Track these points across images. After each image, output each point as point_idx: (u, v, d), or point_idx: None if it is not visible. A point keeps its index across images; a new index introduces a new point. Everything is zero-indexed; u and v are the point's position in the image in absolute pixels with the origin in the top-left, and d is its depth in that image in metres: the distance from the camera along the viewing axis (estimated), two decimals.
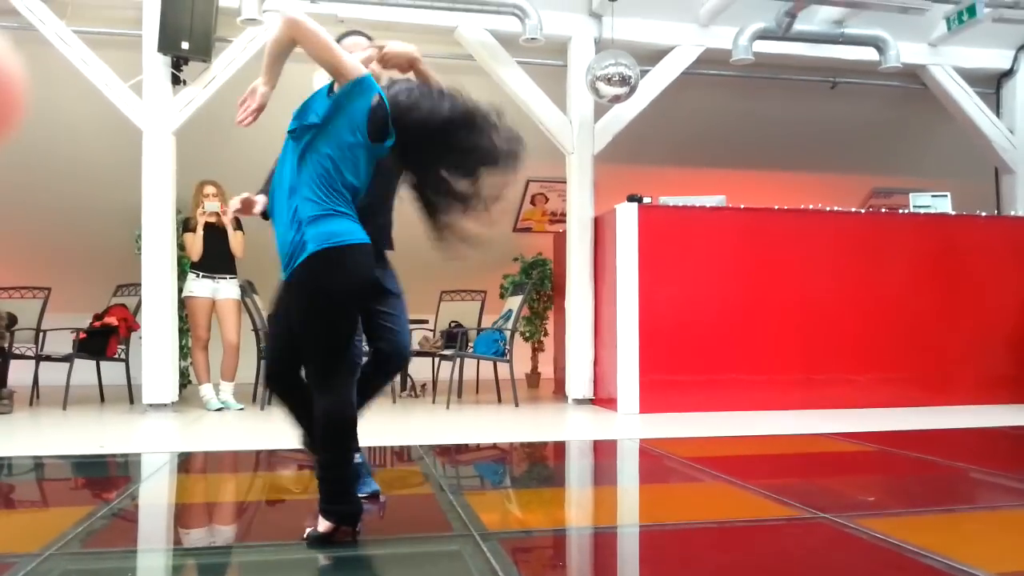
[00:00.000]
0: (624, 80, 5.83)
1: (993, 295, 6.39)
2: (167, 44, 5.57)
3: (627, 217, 5.90)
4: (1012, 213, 7.05)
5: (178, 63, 5.78)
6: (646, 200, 6.00)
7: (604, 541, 2.71)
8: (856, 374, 6.12)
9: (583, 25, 6.43)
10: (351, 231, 2.41)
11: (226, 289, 6.06)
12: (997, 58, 7.28)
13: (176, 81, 5.82)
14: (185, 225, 6.12)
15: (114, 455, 4.27)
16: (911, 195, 6.66)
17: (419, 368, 7.39)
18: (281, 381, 2.63)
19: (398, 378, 7.17)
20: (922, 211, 6.50)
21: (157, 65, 5.75)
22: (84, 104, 6.34)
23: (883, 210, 7.40)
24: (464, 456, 4.38)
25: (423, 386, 7.31)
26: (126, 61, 5.77)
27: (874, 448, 4.36)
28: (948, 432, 5.04)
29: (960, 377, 6.31)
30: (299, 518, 3.00)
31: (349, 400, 2.48)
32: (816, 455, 4.28)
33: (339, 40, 2.68)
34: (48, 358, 6.46)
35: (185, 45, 5.56)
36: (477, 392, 7.41)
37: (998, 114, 7.33)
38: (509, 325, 6.51)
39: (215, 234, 6.03)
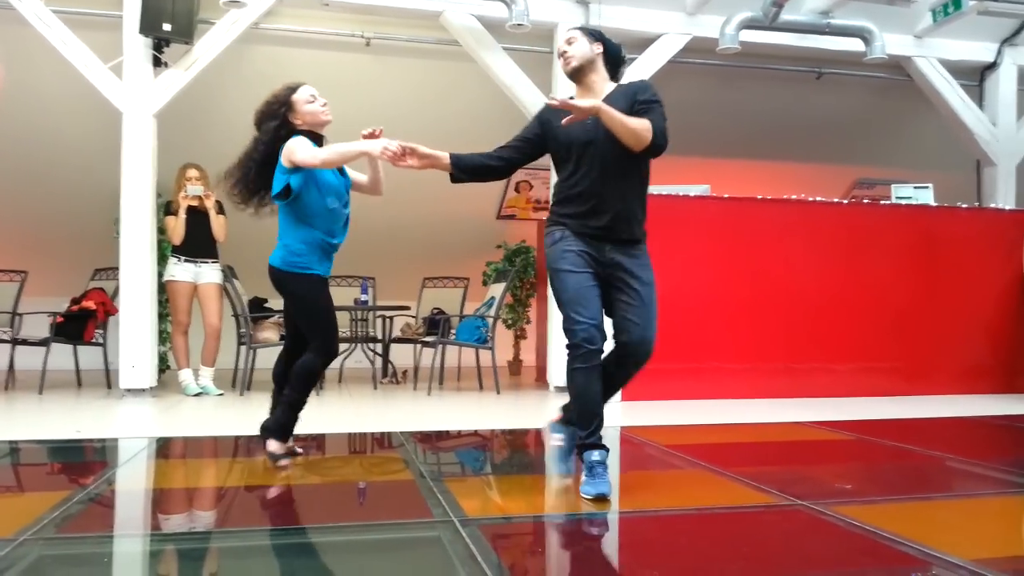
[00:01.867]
0: None
1: (973, 286, 6.45)
2: (148, 25, 5.49)
3: None
4: (993, 205, 7.10)
5: (159, 45, 5.70)
6: None
7: (584, 528, 2.71)
8: (837, 363, 6.16)
9: (570, 12, 6.39)
10: None
11: (208, 273, 6.01)
12: (981, 51, 7.32)
13: (157, 63, 5.75)
14: (166, 208, 6.06)
15: (91, 440, 4.23)
16: (893, 186, 6.70)
17: (400, 355, 7.38)
18: None
19: (379, 363, 7.16)
20: (904, 202, 6.54)
21: (138, 46, 5.67)
22: (63, 85, 6.26)
23: (866, 201, 7.44)
24: (445, 443, 4.38)
25: (404, 373, 7.30)
26: (106, 42, 5.69)
27: (853, 436, 4.40)
28: (926, 421, 5.09)
29: (939, 367, 6.38)
30: (278, 504, 2.99)
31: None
32: (796, 443, 4.31)
33: None
34: (24, 342, 6.39)
35: (167, 27, 5.48)
36: (459, 379, 7.39)
37: (981, 107, 7.38)
38: (491, 312, 6.50)
39: (197, 218, 5.98)
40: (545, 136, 3.24)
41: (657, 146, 2.99)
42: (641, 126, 2.92)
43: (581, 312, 2.92)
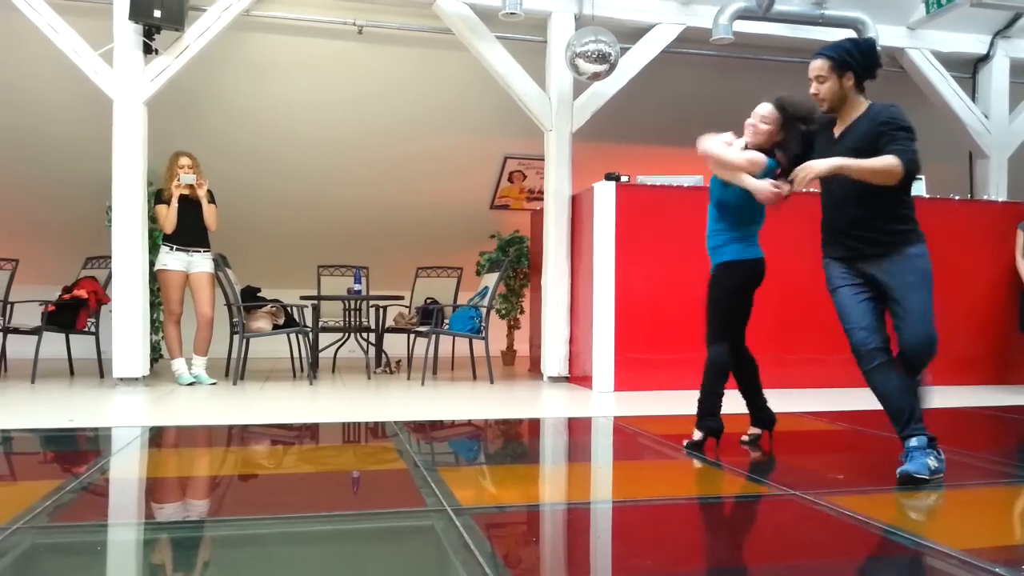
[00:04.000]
0: (604, 57, 5.80)
1: (964, 278, 6.48)
2: (138, 12, 5.45)
3: (604, 195, 5.89)
4: (985, 197, 7.13)
5: (150, 31, 5.66)
6: (624, 179, 5.99)
7: (577, 517, 2.72)
8: (828, 354, 6.16)
9: (564, 1, 6.37)
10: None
11: (200, 262, 5.98)
12: (974, 43, 7.33)
13: (148, 50, 5.71)
14: (157, 197, 6.02)
15: (83, 429, 4.22)
16: None
17: (394, 344, 7.38)
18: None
19: (373, 353, 7.16)
20: None
21: (128, 33, 5.63)
22: (53, 73, 6.21)
23: None
24: (438, 432, 4.38)
25: (398, 362, 7.30)
26: (96, 29, 5.64)
27: (845, 427, 4.42)
28: None
29: None
30: (271, 492, 2.99)
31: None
32: (788, 433, 4.33)
33: None
34: (16, 331, 6.37)
35: (157, 13, 5.45)
36: (452, 369, 7.40)
37: (974, 99, 7.40)
38: (485, 302, 6.50)
39: (189, 207, 5.94)
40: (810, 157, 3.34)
41: (909, 176, 3.11)
42: (885, 165, 3.05)
43: (849, 322, 3.32)
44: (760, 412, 3.90)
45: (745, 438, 3.85)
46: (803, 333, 6.14)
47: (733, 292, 3.70)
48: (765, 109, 3.64)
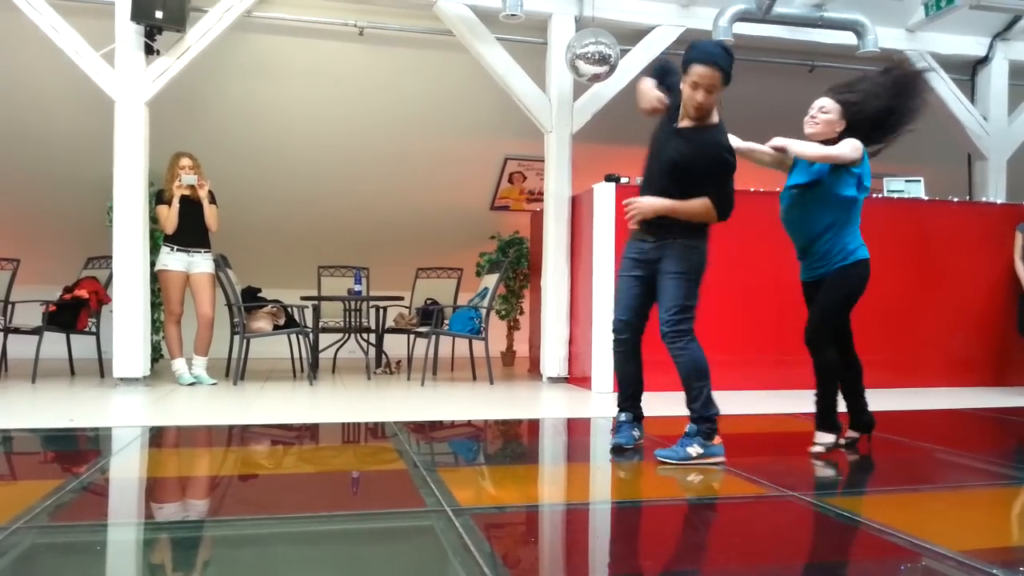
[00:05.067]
0: (604, 59, 5.81)
1: (963, 280, 6.49)
2: (140, 13, 5.46)
3: (604, 197, 5.90)
4: (983, 199, 7.14)
5: (151, 32, 5.67)
6: (624, 180, 6.00)
7: (576, 517, 2.73)
8: None
9: (564, 2, 6.38)
10: None
11: (200, 263, 5.99)
12: (973, 45, 7.34)
13: (149, 51, 5.72)
14: (158, 197, 6.03)
15: (84, 429, 4.23)
16: (885, 180, 6.72)
17: (394, 345, 7.39)
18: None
19: (373, 353, 7.17)
20: (896, 196, 6.56)
21: (130, 34, 5.64)
22: (54, 73, 6.21)
23: None
24: (438, 433, 4.39)
25: (398, 363, 7.31)
26: (98, 29, 5.65)
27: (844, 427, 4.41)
28: (915, 413, 5.13)
29: (930, 360, 6.41)
30: (271, 493, 3.00)
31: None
32: (787, 434, 4.34)
33: None
34: (17, 330, 6.37)
35: (159, 14, 5.46)
36: (452, 369, 7.41)
37: (972, 101, 7.40)
38: (485, 303, 6.51)
39: (190, 207, 5.95)
40: None
41: (722, 219, 3.74)
42: (705, 210, 3.64)
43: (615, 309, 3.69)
44: (861, 415, 3.85)
45: (842, 441, 3.74)
46: (801, 334, 6.12)
47: (856, 293, 3.78)
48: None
